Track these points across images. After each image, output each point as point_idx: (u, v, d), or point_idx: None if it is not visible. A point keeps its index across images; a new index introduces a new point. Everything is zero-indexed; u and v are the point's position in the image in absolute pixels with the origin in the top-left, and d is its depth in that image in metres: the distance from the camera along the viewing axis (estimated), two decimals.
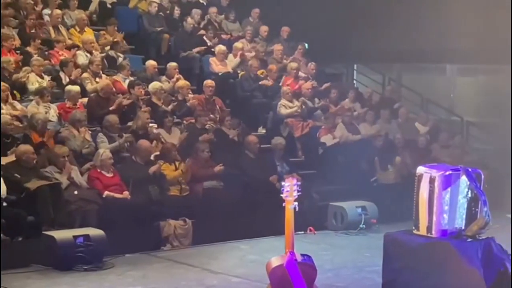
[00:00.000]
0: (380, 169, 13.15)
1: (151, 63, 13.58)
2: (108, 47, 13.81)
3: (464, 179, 7.35)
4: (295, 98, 14.09)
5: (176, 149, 11.27)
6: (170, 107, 12.48)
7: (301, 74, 15.15)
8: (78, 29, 14.00)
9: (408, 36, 15.78)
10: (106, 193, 10.13)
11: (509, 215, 12.09)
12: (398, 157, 13.28)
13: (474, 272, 7.13)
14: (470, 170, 7.43)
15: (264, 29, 16.25)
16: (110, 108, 11.72)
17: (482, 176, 7.47)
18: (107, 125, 11.32)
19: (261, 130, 13.92)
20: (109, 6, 15.44)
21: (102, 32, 14.38)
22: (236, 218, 10.92)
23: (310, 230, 11.38)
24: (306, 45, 16.17)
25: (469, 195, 7.35)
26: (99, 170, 10.30)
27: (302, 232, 11.11)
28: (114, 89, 12.30)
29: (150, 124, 11.82)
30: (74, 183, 10.02)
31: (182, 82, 13.18)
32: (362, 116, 14.49)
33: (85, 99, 12.05)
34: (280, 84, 14.57)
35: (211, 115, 12.83)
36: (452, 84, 17.00)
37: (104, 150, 10.44)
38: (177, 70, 13.64)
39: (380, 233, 9.17)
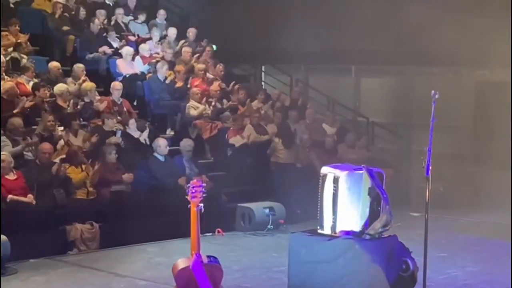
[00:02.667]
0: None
1: (54, 64, 13.32)
2: (11, 49, 13.49)
3: (366, 178, 7.51)
4: (204, 99, 14.10)
5: (82, 151, 11.11)
6: (76, 109, 12.29)
7: (209, 75, 15.19)
8: None
9: (314, 37, 16.01)
10: (9, 197, 9.90)
11: (414, 214, 12.40)
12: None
13: (377, 270, 7.29)
14: (372, 169, 7.60)
15: (172, 31, 16.20)
16: (14, 111, 11.46)
17: (384, 175, 7.66)
18: (11, 128, 11.06)
19: (170, 132, 13.87)
20: (12, 6, 15.10)
21: (4, 33, 14.04)
22: (144, 221, 10.85)
23: (219, 232, 11.41)
24: (214, 46, 16.20)
25: (372, 194, 7.51)
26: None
27: (211, 233, 11.15)
28: (18, 91, 12.03)
29: (57, 127, 11.62)
30: None
31: (89, 84, 13.00)
32: (270, 117, 14.62)
33: None
34: (188, 85, 14.55)
35: (119, 117, 12.71)
36: (358, 85, 17.31)
37: (4, 154, 10.18)
38: (84, 72, 13.45)
39: (288, 233, 9.29)
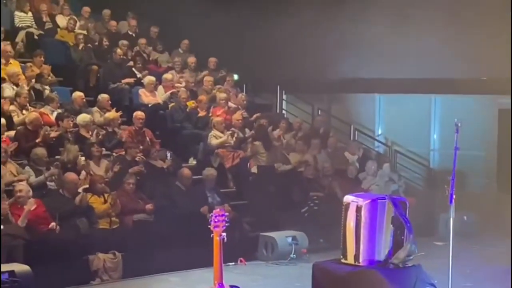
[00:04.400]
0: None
1: (78, 94, 13.43)
2: (34, 80, 13.64)
3: (390, 207, 7.47)
4: (226, 128, 14.13)
5: (104, 181, 11.15)
6: (98, 139, 12.37)
7: (231, 104, 15.23)
8: (3, 61, 13.78)
9: (336, 66, 16.02)
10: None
11: (438, 243, 12.29)
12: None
13: None
14: (395, 198, 7.56)
15: (192, 60, 16.30)
16: (37, 141, 11.55)
17: (407, 204, 7.61)
18: (34, 158, 11.16)
19: (192, 161, 13.88)
20: (36, 37, 15.29)
21: (28, 64, 14.20)
22: (167, 250, 10.84)
23: (241, 261, 11.37)
24: (235, 76, 16.26)
25: (395, 223, 7.46)
26: (19, 205, 10.09)
27: (233, 263, 11.11)
28: (42, 121, 12.14)
29: (80, 157, 11.69)
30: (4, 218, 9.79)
31: (113, 114, 13.09)
32: (292, 145, 14.62)
33: (12, 132, 11.85)
34: (210, 115, 14.59)
35: (141, 147, 12.75)
36: (380, 113, 17.27)
37: (21, 184, 10.24)
38: (109, 102, 13.54)
39: (311, 262, 9.22)
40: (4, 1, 16.19)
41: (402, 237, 7.45)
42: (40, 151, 11.20)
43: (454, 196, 7.11)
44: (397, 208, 7.44)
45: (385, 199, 7.48)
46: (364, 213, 7.38)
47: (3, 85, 12.92)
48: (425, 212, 13.51)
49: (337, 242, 8.02)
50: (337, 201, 12.40)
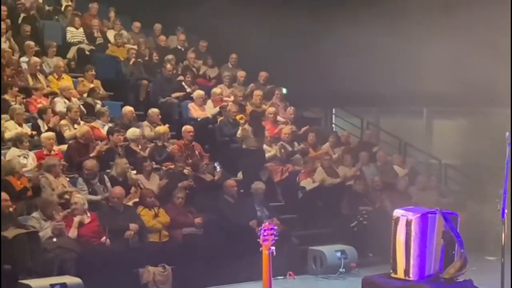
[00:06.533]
0: None
1: (128, 109, 13.56)
2: (86, 94, 13.85)
3: (440, 221, 7.40)
4: (274, 142, 14.15)
5: (154, 195, 11.25)
6: (148, 152, 12.48)
7: (279, 118, 15.24)
8: (56, 76, 14.03)
9: (385, 79, 15.94)
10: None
11: (490, 258, 12.12)
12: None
13: None
14: (446, 212, 7.48)
15: (241, 74, 16.37)
16: (90, 155, 11.71)
17: (459, 219, 7.53)
18: (86, 171, 11.29)
19: (241, 175, 13.91)
20: (87, 53, 15.52)
21: (80, 78, 14.43)
22: (216, 264, 10.87)
23: (290, 275, 11.34)
24: (284, 90, 16.28)
25: (446, 237, 7.38)
26: (74, 217, 10.22)
27: (282, 276, 11.09)
28: (93, 135, 12.30)
29: (130, 171, 11.81)
30: (58, 230, 9.93)
31: (163, 128, 13.20)
32: (341, 159, 14.56)
33: (64, 146, 12.03)
34: None
35: (190, 161, 12.83)
36: (430, 126, 17.14)
37: (77, 197, 10.39)
38: (159, 117, 13.67)
39: (360, 277, 9.15)
40: (57, 17, 16.49)
41: (453, 252, 7.38)
42: (91, 163, 11.32)
43: (506, 210, 7.02)
44: (448, 222, 7.36)
45: (436, 213, 7.42)
46: (414, 228, 7.32)
47: (56, 99, 13.15)
48: (476, 226, 13.31)
49: (386, 256, 7.97)
50: (386, 215, 12.35)
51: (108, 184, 11.30)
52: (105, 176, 11.43)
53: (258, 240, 6.44)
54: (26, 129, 12.04)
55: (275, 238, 6.44)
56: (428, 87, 15.38)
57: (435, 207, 7.66)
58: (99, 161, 11.65)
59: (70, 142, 12.08)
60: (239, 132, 13.89)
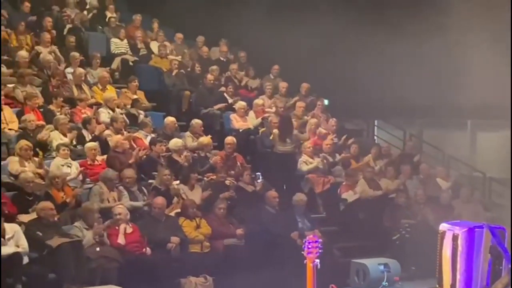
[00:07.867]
0: None
1: (170, 119, 13.63)
2: (129, 105, 13.95)
3: (488, 236, 7.29)
4: (316, 154, 14.09)
5: (196, 206, 11.26)
6: (190, 163, 12.51)
7: (321, 130, 15.18)
8: (100, 87, 14.16)
9: (429, 91, 15.80)
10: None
11: None
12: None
13: None
14: (493, 226, 7.37)
15: (283, 85, 16.35)
16: (129, 161, 11.79)
17: (506, 233, 7.41)
18: (124, 179, 11.36)
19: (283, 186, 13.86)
20: (130, 64, 15.67)
21: (124, 89, 14.55)
22: (257, 275, 10.80)
23: None
24: (326, 101, 16.23)
25: (493, 252, 7.28)
26: (117, 227, 10.28)
27: None
28: (127, 143, 12.32)
29: (174, 182, 11.85)
30: (100, 240, 10.00)
31: (206, 139, 13.24)
32: (383, 171, 14.45)
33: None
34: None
35: (232, 171, 12.84)
36: (474, 139, 16.95)
37: (120, 207, 10.44)
38: (202, 128, 13.71)
39: None
40: (101, 28, 16.66)
41: (500, 267, 7.26)
42: (130, 172, 11.39)
43: None
44: (495, 237, 7.25)
45: (483, 227, 7.31)
46: (461, 242, 7.23)
47: (100, 109, 13.27)
48: None
49: (429, 270, 7.89)
50: (429, 228, 12.22)
51: (147, 192, 11.35)
52: (143, 188, 11.50)
53: (302, 252, 6.41)
54: (71, 138, 12.15)
55: (320, 251, 6.40)
56: (473, 99, 15.20)
57: (478, 221, 7.55)
58: (141, 171, 11.72)
59: (109, 152, 12.15)
60: (271, 136, 13.85)
